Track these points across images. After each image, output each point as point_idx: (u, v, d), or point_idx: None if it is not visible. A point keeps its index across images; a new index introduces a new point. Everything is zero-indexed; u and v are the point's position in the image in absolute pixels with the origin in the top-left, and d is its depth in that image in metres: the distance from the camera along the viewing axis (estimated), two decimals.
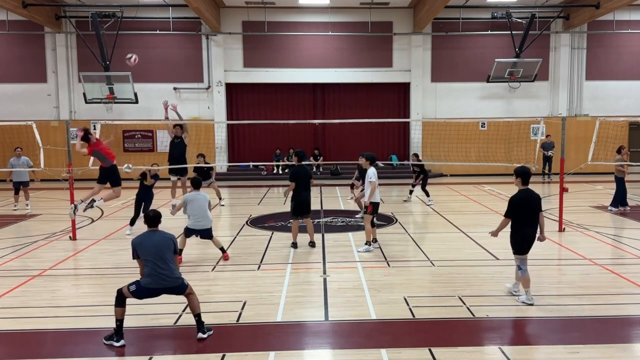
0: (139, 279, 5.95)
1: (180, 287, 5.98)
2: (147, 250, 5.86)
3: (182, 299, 6.07)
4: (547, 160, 21.06)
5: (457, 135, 20.48)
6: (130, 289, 5.83)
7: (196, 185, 9.30)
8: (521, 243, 6.92)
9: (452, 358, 5.45)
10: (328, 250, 9.90)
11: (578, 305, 6.85)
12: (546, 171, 21.17)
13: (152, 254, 5.83)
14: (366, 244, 9.88)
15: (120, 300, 5.82)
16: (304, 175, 10.00)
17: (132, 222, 11.38)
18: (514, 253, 7.02)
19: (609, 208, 13.80)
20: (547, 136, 20.96)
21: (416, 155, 15.70)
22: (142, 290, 5.86)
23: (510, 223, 6.99)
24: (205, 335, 5.90)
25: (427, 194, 15.38)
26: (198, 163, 14.34)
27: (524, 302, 6.90)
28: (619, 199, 13.69)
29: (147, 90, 21.74)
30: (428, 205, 15.11)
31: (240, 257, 9.56)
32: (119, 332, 5.78)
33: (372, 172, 9.71)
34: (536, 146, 14.67)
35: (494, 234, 7.28)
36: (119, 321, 5.79)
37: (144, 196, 11.43)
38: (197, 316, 5.97)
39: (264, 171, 22.50)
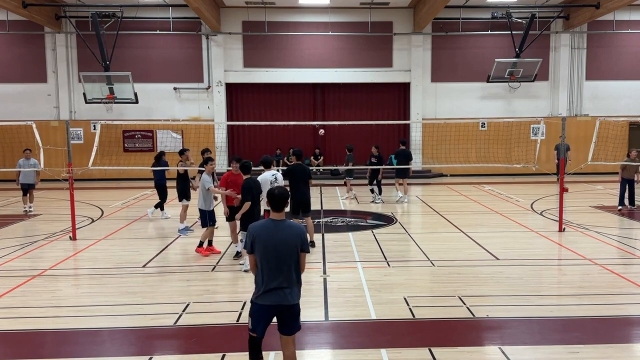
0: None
1: (295, 313, 4.58)
2: (266, 248, 4.43)
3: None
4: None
5: (457, 136, 20.46)
6: (250, 324, 4.67)
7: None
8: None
9: (452, 358, 5.45)
10: (328, 250, 9.89)
11: (578, 305, 6.85)
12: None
13: (271, 253, 4.44)
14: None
15: (252, 351, 4.70)
16: (300, 172, 9.91)
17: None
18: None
19: (629, 207, 13.83)
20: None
21: (377, 147, 15.70)
22: (255, 315, 4.58)
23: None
24: None
25: (380, 191, 15.68)
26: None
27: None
28: (624, 198, 13.74)
29: (147, 90, 21.75)
30: (376, 202, 15.38)
31: (241, 257, 9.56)
32: None
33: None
34: (536, 147, 14.31)
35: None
36: None
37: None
38: None
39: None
